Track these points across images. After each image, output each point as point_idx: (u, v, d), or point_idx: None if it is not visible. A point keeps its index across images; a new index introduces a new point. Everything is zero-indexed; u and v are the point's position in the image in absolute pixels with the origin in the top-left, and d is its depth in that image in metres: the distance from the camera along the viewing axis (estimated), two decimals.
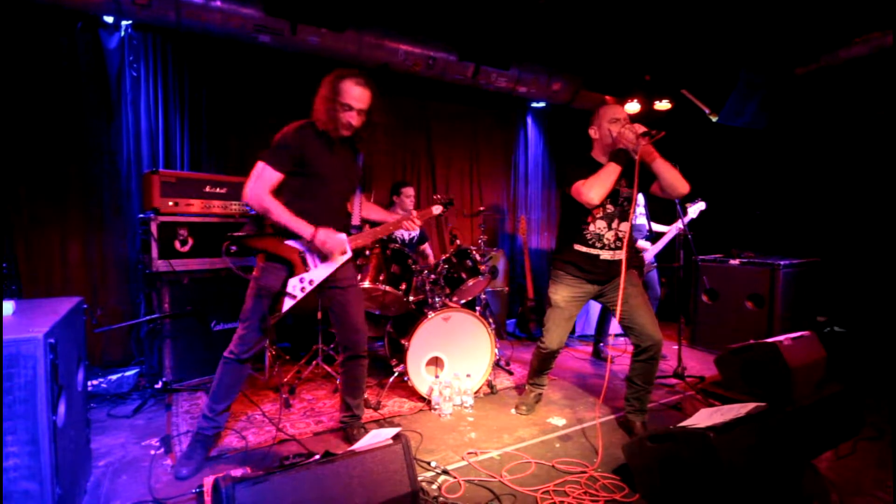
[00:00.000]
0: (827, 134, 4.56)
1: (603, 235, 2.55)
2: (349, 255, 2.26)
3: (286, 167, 2.10)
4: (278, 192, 2.12)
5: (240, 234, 2.14)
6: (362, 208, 2.40)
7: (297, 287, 2.13)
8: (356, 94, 2.12)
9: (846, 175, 4.46)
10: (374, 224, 2.43)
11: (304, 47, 3.79)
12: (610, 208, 2.54)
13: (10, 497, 1.44)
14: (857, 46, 3.99)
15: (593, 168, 2.47)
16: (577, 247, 2.57)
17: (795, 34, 4.15)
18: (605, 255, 2.55)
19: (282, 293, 2.12)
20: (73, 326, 1.86)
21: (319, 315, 3.35)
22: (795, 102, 4.60)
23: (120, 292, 3.54)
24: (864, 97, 4.25)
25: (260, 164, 2.08)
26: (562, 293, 2.64)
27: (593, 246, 2.55)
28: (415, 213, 2.44)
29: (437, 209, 2.60)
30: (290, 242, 2.14)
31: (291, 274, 2.13)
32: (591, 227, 2.55)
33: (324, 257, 2.18)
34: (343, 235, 2.22)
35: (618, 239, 2.56)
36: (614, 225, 2.56)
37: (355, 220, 2.36)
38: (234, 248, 2.09)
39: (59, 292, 3.28)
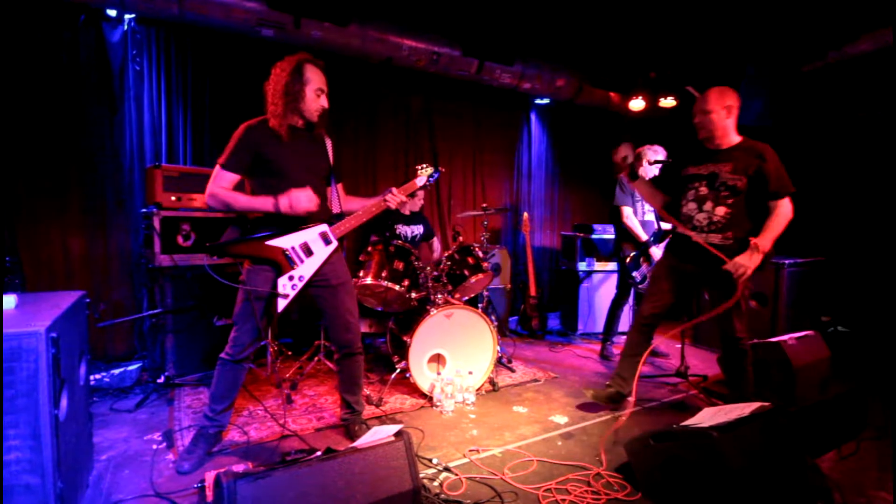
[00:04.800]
0: (833, 132, 4.52)
1: (693, 217, 2.60)
2: (335, 244, 2.21)
3: (242, 167, 2.08)
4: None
5: (221, 241, 2.09)
6: (342, 201, 2.35)
7: (288, 286, 2.10)
8: (323, 78, 2.15)
9: (852, 173, 4.42)
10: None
11: (308, 41, 3.77)
12: (703, 190, 2.58)
13: (12, 490, 1.44)
14: (863, 42, 3.94)
15: (695, 156, 2.65)
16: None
17: (802, 31, 4.11)
18: (697, 237, 2.55)
19: (273, 295, 2.09)
20: (75, 321, 1.86)
21: None
22: (801, 100, 4.55)
23: (123, 287, 3.54)
24: (870, 94, 4.21)
25: (216, 167, 2.08)
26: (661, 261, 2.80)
27: (686, 226, 2.64)
28: (395, 188, 2.32)
29: (420, 180, 2.44)
30: (271, 242, 2.08)
31: (279, 274, 2.09)
32: (684, 209, 2.65)
33: (308, 251, 2.14)
34: (308, 191, 2.09)
35: (711, 222, 2.55)
36: (706, 207, 2.56)
37: (336, 210, 2.31)
38: (214, 257, 2.04)
39: (61, 286, 3.28)
